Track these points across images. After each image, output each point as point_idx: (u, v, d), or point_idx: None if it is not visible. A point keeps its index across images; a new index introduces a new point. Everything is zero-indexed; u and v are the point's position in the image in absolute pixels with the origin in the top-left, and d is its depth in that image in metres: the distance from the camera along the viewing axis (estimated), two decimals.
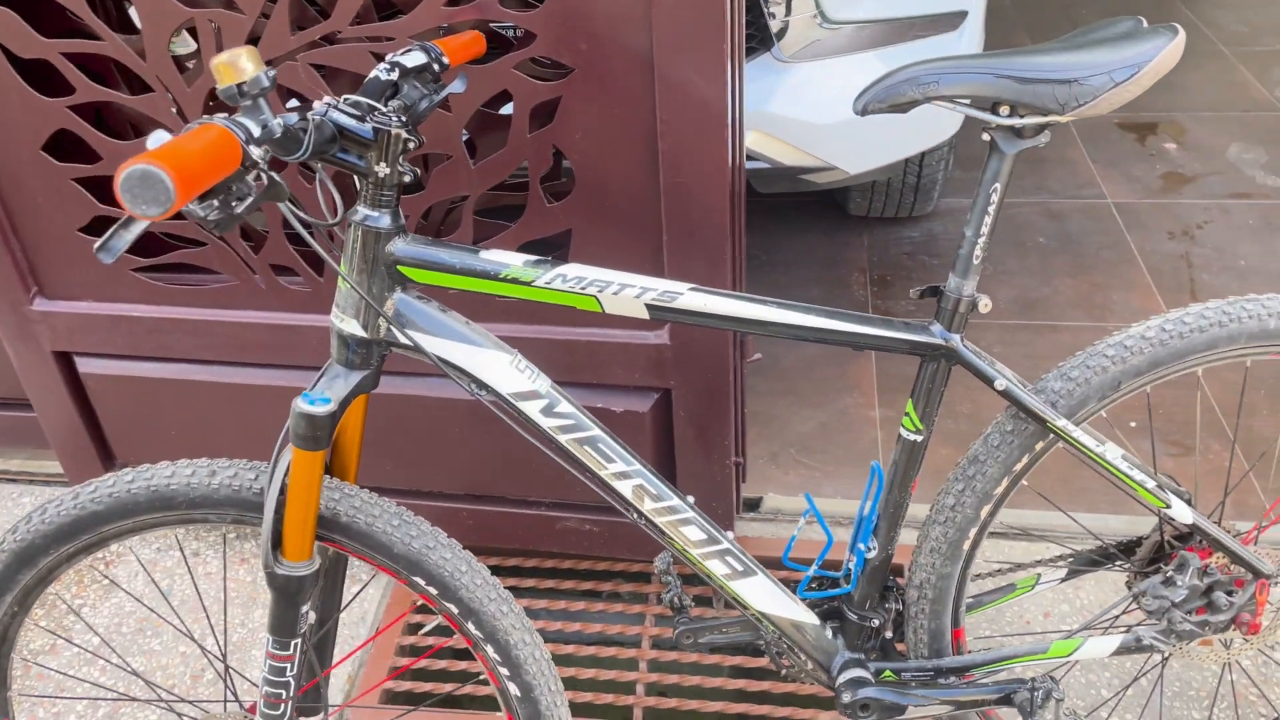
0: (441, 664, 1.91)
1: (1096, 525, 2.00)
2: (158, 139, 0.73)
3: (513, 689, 1.28)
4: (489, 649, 1.26)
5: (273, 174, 0.85)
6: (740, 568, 1.31)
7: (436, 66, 1.24)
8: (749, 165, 2.27)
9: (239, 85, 0.83)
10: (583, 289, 1.14)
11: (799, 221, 3.18)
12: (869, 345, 1.24)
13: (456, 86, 1.33)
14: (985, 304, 1.23)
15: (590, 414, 1.22)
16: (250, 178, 0.83)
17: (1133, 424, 2.28)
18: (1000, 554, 1.98)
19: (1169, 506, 1.29)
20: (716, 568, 1.30)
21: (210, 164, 0.70)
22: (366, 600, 2.02)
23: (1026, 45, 1.12)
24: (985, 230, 1.19)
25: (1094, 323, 2.64)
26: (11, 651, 1.32)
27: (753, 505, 2.13)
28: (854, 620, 1.38)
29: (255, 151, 0.80)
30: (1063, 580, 1.50)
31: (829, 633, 1.39)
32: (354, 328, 1.13)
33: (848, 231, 3.12)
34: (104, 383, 1.88)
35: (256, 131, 0.82)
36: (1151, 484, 1.28)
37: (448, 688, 1.87)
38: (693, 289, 1.17)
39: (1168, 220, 3.07)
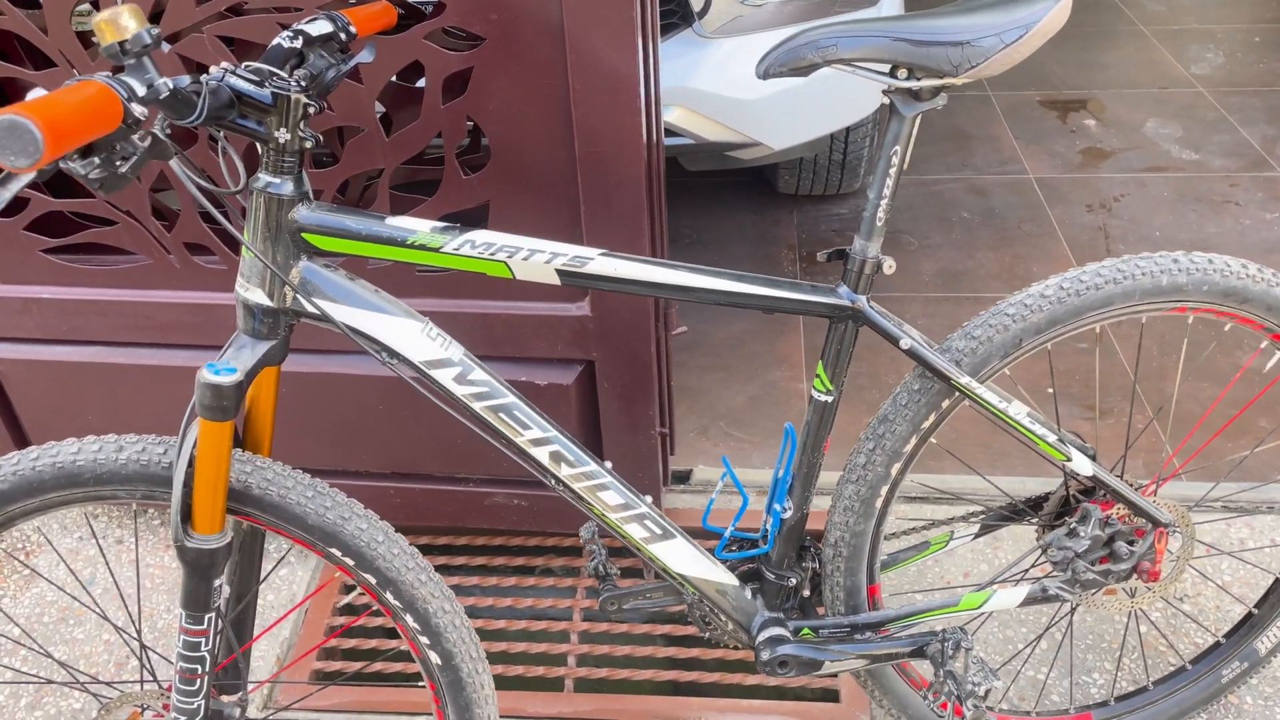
0: (372, 643, 1.91)
1: (1013, 486, 2.04)
2: (35, 94, 0.72)
3: (434, 657, 1.29)
4: (408, 618, 1.26)
5: (156, 132, 0.85)
6: (659, 531, 1.33)
7: (343, 36, 1.23)
8: (674, 142, 2.28)
9: (120, 43, 0.82)
10: (491, 255, 1.15)
11: (730, 200, 3.21)
12: (779, 308, 1.26)
13: (364, 56, 1.31)
14: (889, 265, 1.26)
15: (507, 383, 1.23)
16: (137, 137, 0.82)
17: (1049, 390, 2.34)
18: (921, 515, 2.03)
19: (1069, 459, 1.33)
20: (635, 531, 1.32)
21: (86, 119, 0.69)
22: (295, 582, 2.01)
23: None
24: (887, 193, 1.21)
25: (1014, 291, 2.69)
26: None
27: (683, 478, 2.15)
28: (772, 580, 1.41)
29: (137, 109, 0.79)
30: (975, 536, 1.54)
31: (749, 593, 1.42)
32: (260, 297, 1.12)
33: (777, 209, 3.15)
34: (16, 368, 1.85)
35: (140, 90, 0.81)
36: (1052, 438, 1.32)
37: (378, 666, 1.86)
38: (603, 254, 1.18)
39: (1087, 194, 3.14)
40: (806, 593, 1.44)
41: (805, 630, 1.43)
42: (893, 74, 1.15)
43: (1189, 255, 1.31)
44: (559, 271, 1.17)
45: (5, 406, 1.92)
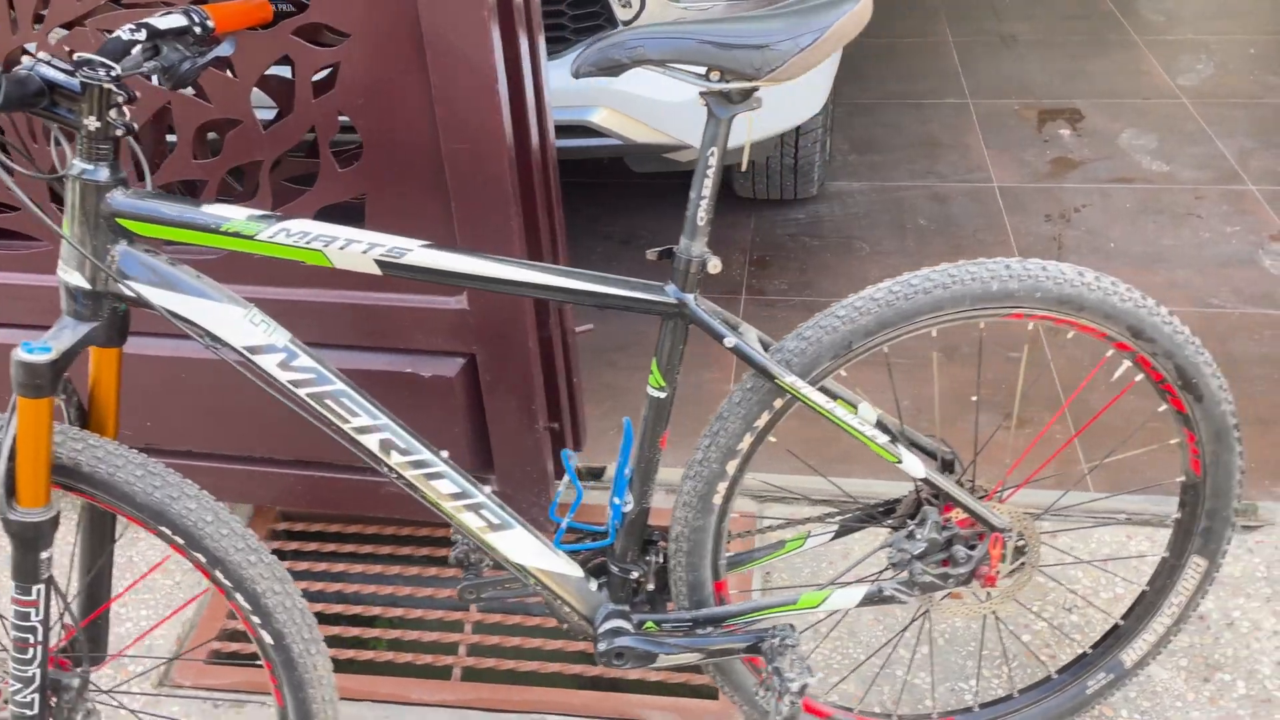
0: None
1: (878, 490, 2.01)
2: None
3: (265, 637, 1.32)
4: (239, 598, 1.30)
5: None
6: (497, 521, 1.35)
7: (199, 30, 1.27)
8: (602, 143, 2.30)
9: None
10: (307, 243, 1.18)
11: (674, 206, 3.22)
12: (608, 304, 1.28)
13: (223, 49, 1.35)
14: (714, 265, 1.28)
15: (337, 370, 1.26)
16: None
17: (973, 398, 2.34)
18: (783, 515, 2.03)
19: (900, 461, 1.33)
20: (471, 520, 1.34)
21: None
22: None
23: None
24: (706, 193, 1.23)
25: None
26: None
27: (596, 474, 2.17)
28: (616, 573, 1.43)
29: None
30: (833, 538, 1.55)
31: (593, 585, 1.44)
32: (79, 280, 1.16)
33: (736, 213, 3.16)
34: None
35: None
36: (883, 440, 1.32)
37: None
38: (424, 245, 1.21)
39: (1048, 204, 3.12)
40: (651, 586, 1.46)
41: (649, 623, 1.45)
42: (707, 76, 1.17)
43: (1024, 262, 1.31)
44: (378, 262, 1.20)
45: None
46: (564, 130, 2.29)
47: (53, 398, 1.17)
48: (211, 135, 1.70)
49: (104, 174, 1.13)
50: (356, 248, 1.19)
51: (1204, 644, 1.78)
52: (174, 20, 1.24)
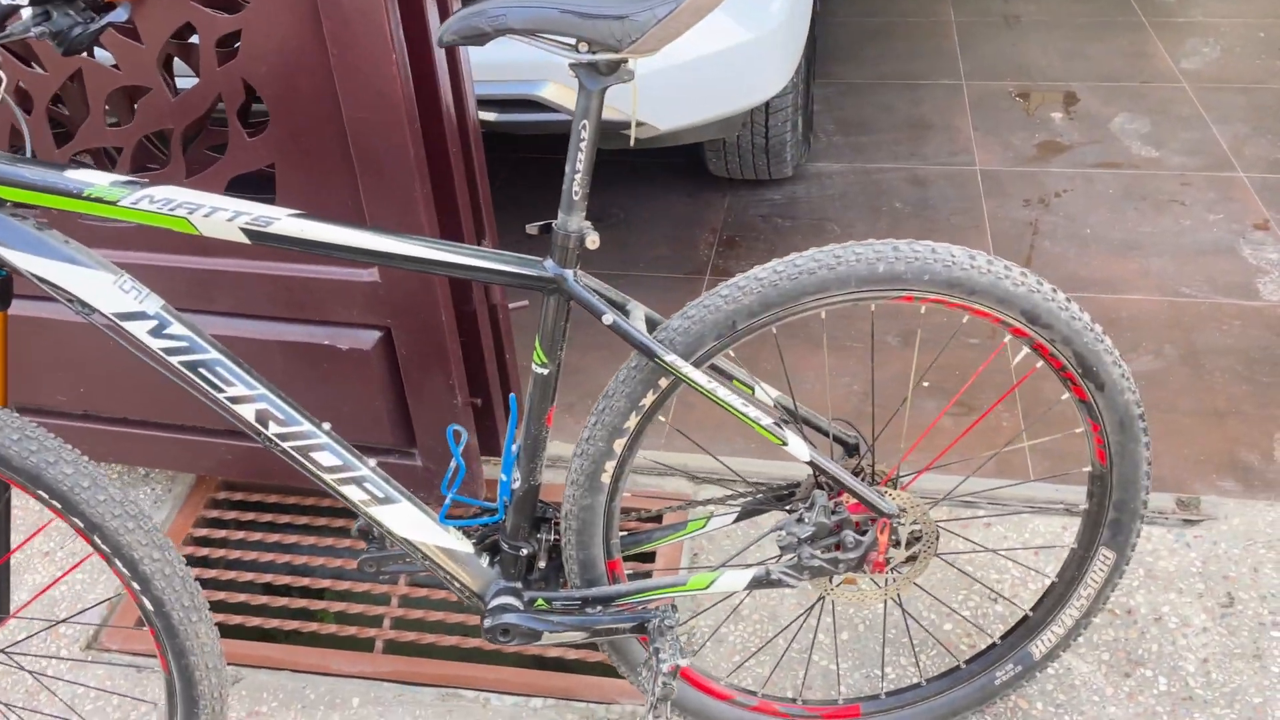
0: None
1: (780, 472, 2.00)
2: None
3: (146, 603, 1.33)
4: (118, 563, 1.30)
5: None
6: (380, 495, 1.35)
7: None
8: (551, 118, 2.28)
9: None
10: (171, 210, 1.18)
11: (665, 181, 3.20)
12: (482, 278, 1.27)
13: (116, 16, 1.35)
14: (593, 240, 1.26)
15: (213, 339, 1.26)
16: None
17: (926, 384, 2.30)
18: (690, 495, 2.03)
19: (785, 444, 1.31)
20: (353, 494, 1.34)
21: None
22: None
23: None
24: (580, 167, 1.21)
25: None
26: None
27: None
28: (507, 550, 1.42)
29: None
30: (736, 519, 1.53)
31: (485, 561, 1.43)
32: None
33: (711, 192, 3.13)
34: None
35: None
36: (767, 422, 1.30)
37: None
38: (291, 215, 1.20)
39: (1029, 188, 3.06)
40: (543, 564, 1.45)
41: (540, 600, 1.44)
42: (576, 48, 1.15)
43: (912, 243, 1.28)
44: (244, 230, 1.20)
45: None
46: (513, 105, 2.28)
47: None
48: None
49: None
50: (221, 215, 1.19)
51: (1128, 638, 1.74)
52: None
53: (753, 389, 1.43)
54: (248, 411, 1.28)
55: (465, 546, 1.41)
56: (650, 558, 1.92)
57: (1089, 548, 1.50)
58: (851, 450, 1.50)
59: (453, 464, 1.40)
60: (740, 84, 2.39)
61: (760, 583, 1.40)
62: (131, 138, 1.60)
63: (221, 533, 2.07)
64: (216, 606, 1.94)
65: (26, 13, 1.24)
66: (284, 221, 1.20)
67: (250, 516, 2.11)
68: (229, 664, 1.82)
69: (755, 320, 1.29)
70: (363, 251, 1.22)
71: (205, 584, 1.99)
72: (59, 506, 1.27)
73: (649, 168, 3.26)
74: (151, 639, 1.38)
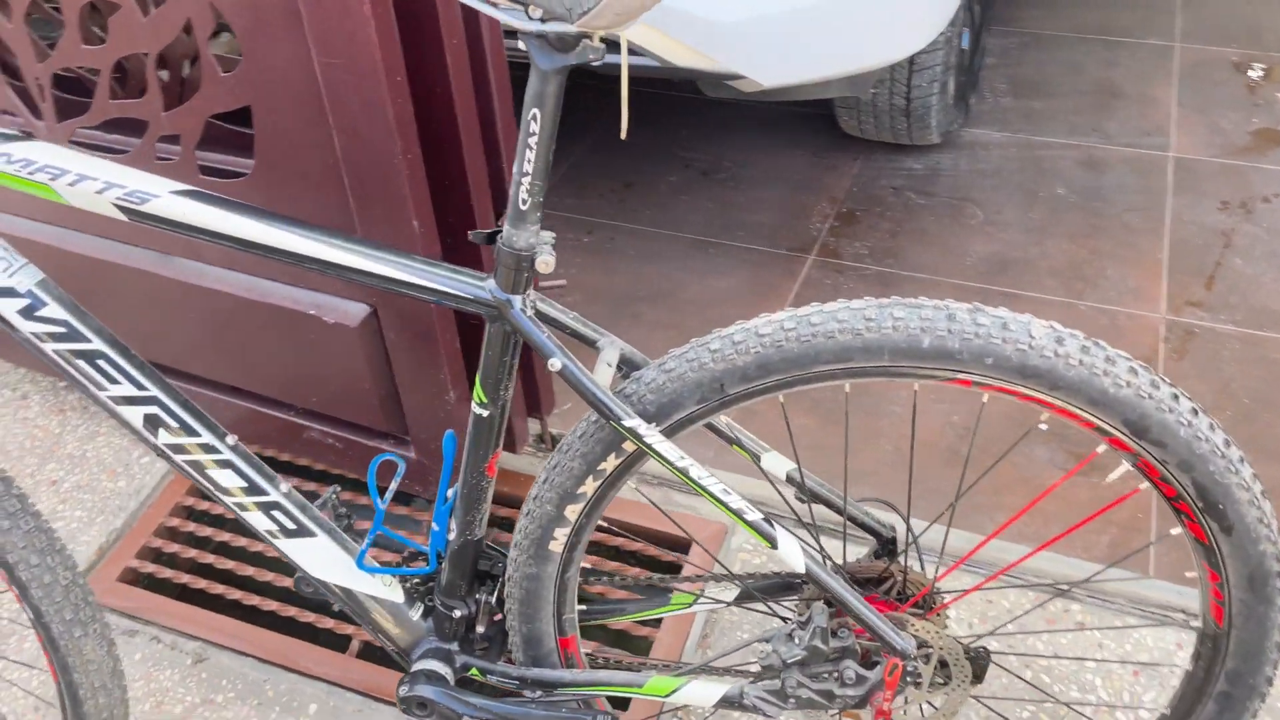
0: (193, 553, 1.84)
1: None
2: None
3: (28, 609, 1.17)
4: None
5: None
6: (292, 526, 1.13)
7: None
8: (640, 63, 1.97)
9: None
10: (30, 174, 0.96)
11: (789, 134, 2.82)
12: (405, 292, 1.00)
13: None
14: (545, 262, 0.97)
15: (103, 327, 1.05)
16: None
17: (1043, 426, 1.91)
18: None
19: (774, 546, 1.01)
20: (258, 522, 1.13)
21: None
22: (149, 473, 1.96)
23: None
24: (529, 167, 0.92)
25: (1066, 298, 2.21)
26: None
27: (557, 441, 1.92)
28: (439, 608, 1.19)
29: None
30: (731, 604, 1.24)
31: (416, 613, 1.20)
32: None
33: (840, 153, 2.74)
34: None
35: None
36: (753, 516, 1.00)
37: (186, 578, 1.79)
38: (176, 192, 0.97)
39: (1231, 187, 2.53)
40: (481, 629, 1.21)
41: (474, 670, 1.21)
42: (528, 13, 0.85)
43: (978, 312, 0.94)
44: (118, 206, 0.97)
45: None
46: None
47: None
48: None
49: None
50: (90, 185, 0.96)
51: None
52: None
53: (759, 457, 1.13)
54: (134, 415, 1.07)
55: (394, 594, 1.19)
56: (630, 638, 1.64)
57: (1186, 718, 1.14)
58: (885, 546, 1.17)
59: (390, 492, 1.16)
60: (867, 37, 2.00)
61: (731, 703, 1.11)
62: (107, 58, 1.40)
63: None
64: (203, 571, 1.81)
65: None
66: (165, 199, 0.96)
67: None
68: (200, 638, 1.69)
69: (751, 385, 0.98)
70: (251, 244, 0.97)
71: (198, 543, 1.86)
72: None
73: (775, 119, 2.89)
74: (40, 645, 1.22)
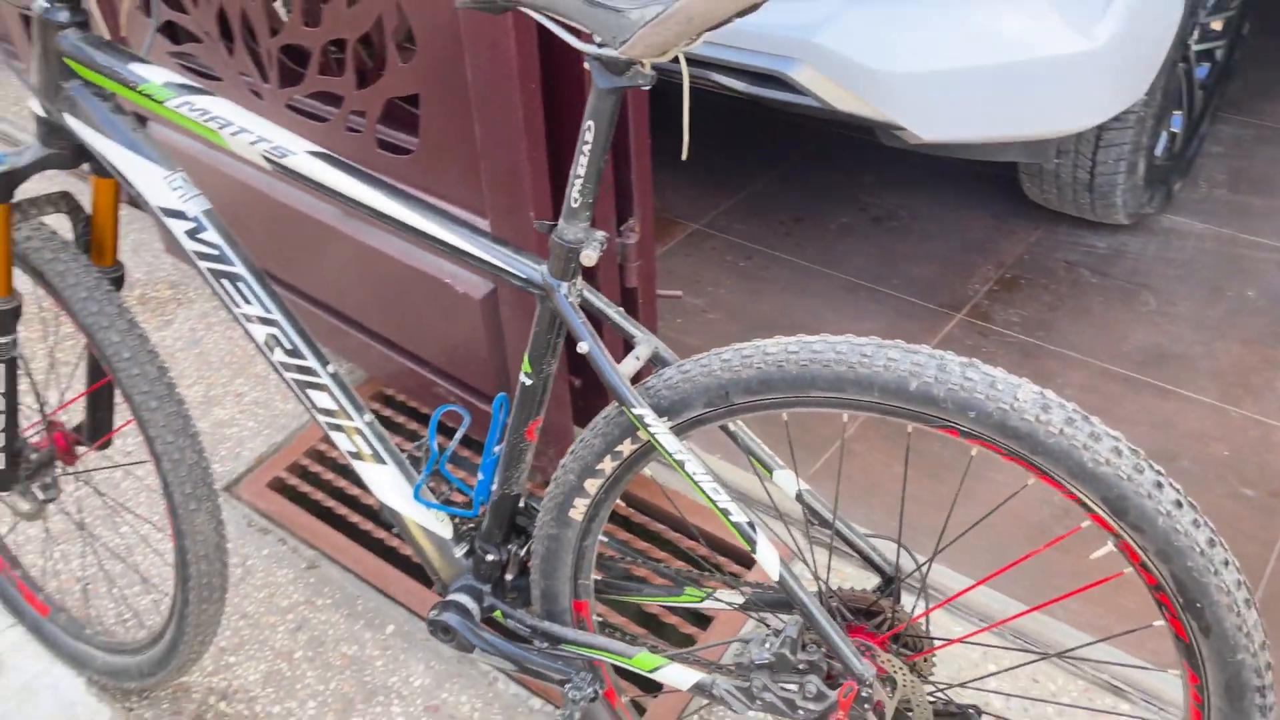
0: (330, 477, 2.09)
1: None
2: None
3: (159, 478, 1.41)
4: (144, 434, 1.39)
5: None
6: (369, 450, 1.31)
7: None
8: (804, 101, 2.06)
9: None
10: (204, 120, 1.19)
11: (971, 194, 2.81)
12: (473, 264, 1.15)
13: None
14: (589, 256, 1.10)
15: (248, 255, 1.27)
16: None
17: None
18: None
19: (753, 549, 1.09)
20: (342, 442, 1.32)
21: None
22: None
23: None
24: (581, 171, 1.05)
25: (1219, 402, 2.11)
26: None
27: None
28: (477, 550, 1.34)
29: None
30: (739, 608, 1.32)
31: (460, 551, 1.36)
32: (37, 107, 1.27)
33: (1021, 220, 2.70)
34: None
35: None
36: (739, 517, 1.09)
37: (320, 497, 2.04)
38: (309, 151, 1.16)
39: None
40: (510, 576, 1.34)
41: (498, 612, 1.35)
42: (592, 39, 0.98)
43: (971, 367, 0.98)
44: (265, 157, 1.18)
45: None
46: (761, 78, 2.08)
47: (7, 204, 1.30)
48: None
49: (63, 15, 1.21)
50: (246, 138, 1.18)
51: None
52: None
53: (771, 472, 1.20)
54: (258, 332, 1.28)
55: (444, 529, 1.34)
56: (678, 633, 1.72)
57: None
58: (886, 582, 1.22)
59: (453, 444, 1.32)
60: (1033, 105, 2.00)
61: (702, 690, 1.20)
62: (318, 39, 1.65)
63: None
64: (334, 493, 2.05)
65: None
66: (299, 157, 1.16)
67: (400, 420, 2.18)
68: (317, 548, 1.92)
69: (755, 399, 1.07)
70: (360, 205, 1.15)
71: (337, 468, 2.10)
72: (109, 365, 1.37)
73: (961, 177, 2.88)
74: (166, 511, 1.46)
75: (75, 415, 2.01)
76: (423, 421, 2.16)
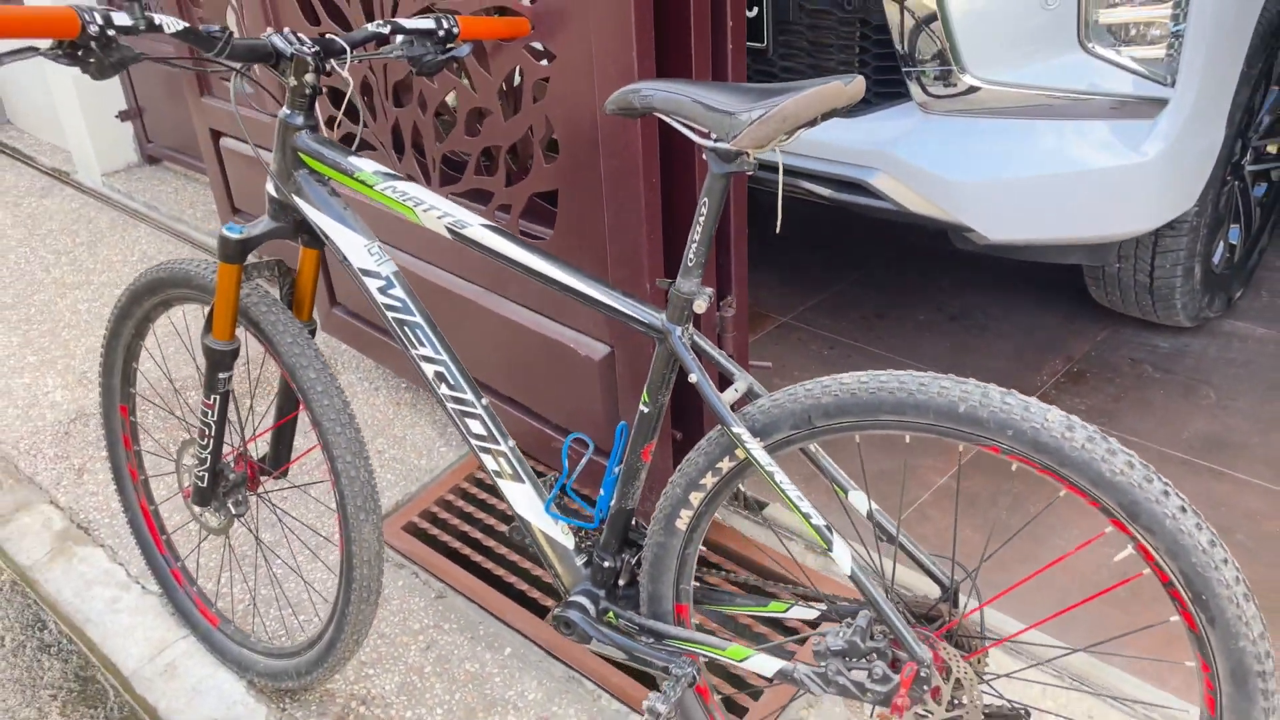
0: (465, 526, 2.37)
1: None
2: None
3: (336, 496, 1.70)
4: (326, 452, 1.69)
5: (109, 45, 1.33)
6: (510, 471, 1.59)
7: (442, 34, 1.68)
8: (882, 205, 2.34)
9: None
10: (403, 199, 1.52)
11: (1044, 296, 3.04)
12: (603, 311, 1.44)
13: (460, 51, 1.74)
14: (700, 304, 1.38)
15: (423, 307, 1.59)
16: (98, 45, 1.32)
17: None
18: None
19: (829, 550, 1.32)
20: (489, 463, 1.60)
21: (40, 23, 1.21)
22: (443, 460, 2.54)
23: None
24: (696, 238, 1.34)
25: (1272, 485, 2.26)
26: (134, 361, 2.04)
27: (758, 505, 2.27)
28: (595, 559, 1.59)
29: (93, 28, 1.30)
30: (816, 617, 1.54)
31: (580, 560, 1.61)
32: (271, 190, 1.63)
33: (1089, 320, 2.92)
34: (233, 156, 2.65)
35: (99, 19, 1.32)
36: (818, 520, 1.33)
37: (451, 540, 2.32)
38: (483, 224, 1.48)
39: None
40: (624, 582, 1.59)
41: (611, 613, 1.59)
42: (709, 135, 1.29)
43: (1008, 394, 1.23)
44: (448, 229, 1.51)
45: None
46: (846, 185, 2.38)
47: (240, 265, 1.65)
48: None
49: (299, 120, 1.57)
50: (434, 213, 1.50)
51: None
52: (422, 22, 1.65)
53: (846, 492, 1.44)
54: (429, 370, 1.59)
55: (568, 541, 1.61)
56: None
57: None
58: (945, 593, 1.43)
59: (582, 463, 1.59)
60: (1086, 211, 2.24)
61: (785, 677, 1.41)
62: (477, 146, 2.01)
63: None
64: (459, 536, 2.33)
65: (399, 38, 1.67)
66: (475, 229, 1.48)
67: None
68: (445, 582, 2.19)
69: (832, 422, 1.32)
70: (520, 265, 1.46)
71: (463, 516, 2.39)
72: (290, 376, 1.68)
73: (1034, 281, 3.11)
74: (337, 523, 1.75)
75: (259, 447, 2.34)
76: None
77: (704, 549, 2.14)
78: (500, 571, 2.23)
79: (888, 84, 2.28)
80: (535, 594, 2.16)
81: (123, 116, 4.18)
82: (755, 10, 2.37)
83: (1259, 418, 2.49)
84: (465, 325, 2.28)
